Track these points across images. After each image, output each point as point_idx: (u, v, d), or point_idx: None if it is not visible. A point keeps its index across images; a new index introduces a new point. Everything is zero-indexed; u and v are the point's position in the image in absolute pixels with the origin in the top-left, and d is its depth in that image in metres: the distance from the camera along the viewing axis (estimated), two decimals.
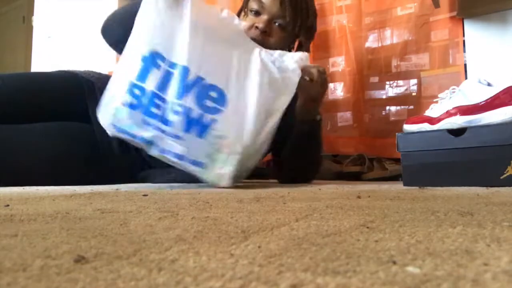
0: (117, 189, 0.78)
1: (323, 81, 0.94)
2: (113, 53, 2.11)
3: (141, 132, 0.77)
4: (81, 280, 0.17)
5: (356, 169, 1.48)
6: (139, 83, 0.77)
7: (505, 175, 0.78)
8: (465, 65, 1.42)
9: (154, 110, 0.76)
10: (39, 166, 0.94)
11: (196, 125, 0.76)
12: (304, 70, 0.89)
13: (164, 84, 0.77)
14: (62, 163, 0.97)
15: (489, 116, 0.81)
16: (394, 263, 0.19)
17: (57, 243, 0.24)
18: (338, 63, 1.68)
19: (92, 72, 1.15)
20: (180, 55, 0.79)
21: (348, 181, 1.38)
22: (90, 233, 0.28)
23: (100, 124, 1.05)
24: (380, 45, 1.60)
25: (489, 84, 0.86)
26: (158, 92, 0.77)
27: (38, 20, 2.52)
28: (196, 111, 0.76)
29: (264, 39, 1.02)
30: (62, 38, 2.34)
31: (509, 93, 0.80)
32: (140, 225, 0.31)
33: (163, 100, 0.77)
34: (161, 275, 0.18)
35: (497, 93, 0.81)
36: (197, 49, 0.80)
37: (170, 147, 0.77)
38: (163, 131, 0.76)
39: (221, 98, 0.79)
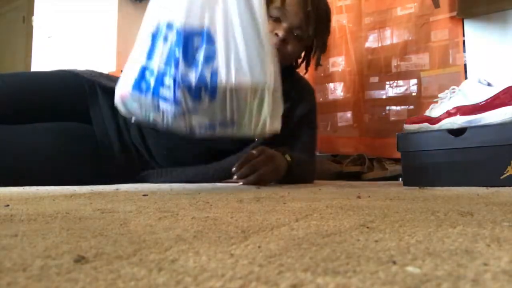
0: (117, 189, 0.78)
1: (262, 161, 0.91)
2: (113, 53, 2.12)
3: (157, 117, 0.68)
4: (81, 280, 0.17)
5: (356, 169, 1.48)
6: (148, 65, 0.68)
7: (505, 175, 0.78)
8: (465, 65, 1.42)
9: (163, 91, 0.65)
10: (39, 166, 0.94)
11: (201, 87, 0.65)
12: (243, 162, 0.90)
13: (169, 57, 0.67)
14: (62, 163, 0.97)
15: (489, 116, 0.81)
16: (394, 263, 0.19)
17: (57, 243, 0.24)
18: (338, 63, 1.68)
19: (93, 71, 1.15)
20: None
21: (348, 181, 1.38)
22: (90, 233, 0.28)
23: (100, 124, 1.05)
24: (380, 45, 1.60)
25: (489, 84, 0.86)
26: (165, 67, 0.66)
27: (38, 20, 2.52)
28: (192, 74, 0.64)
29: (282, 47, 1.02)
30: (62, 38, 2.34)
31: (509, 93, 0.80)
32: (140, 225, 0.31)
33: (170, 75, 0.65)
34: (161, 275, 0.18)
35: (497, 93, 0.81)
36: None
37: (196, 123, 0.68)
38: (179, 112, 0.66)
39: (208, 38, 0.67)
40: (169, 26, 0.68)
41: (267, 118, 0.69)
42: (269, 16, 1.02)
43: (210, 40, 0.67)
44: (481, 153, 0.80)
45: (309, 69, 1.69)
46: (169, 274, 0.18)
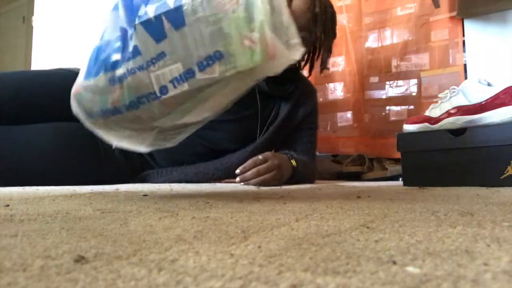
0: (117, 189, 0.78)
1: (268, 168, 0.91)
2: None
3: (115, 95, 0.51)
4: (81, 280, 0.17)
5: (356, 169, 1.48)
6: (101, 43, 0.55)
7: (505, 175, 0.78)
8: (465, 65, 1.42)
9: (115, 56, 0.52)
10: (39, 166, 0.94)
11: (162, 16, 0.48)
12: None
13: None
14: (62, 163, 0.97)
15: (489, 116, 0.81)
16: (394, 263, 0.19)
17: (57, 243, 0.24)
18: (338, 63, 1.68)
19: None
20: None
21: (348, 181, 1.38)
22: (90, 233, 0.28)
23: None
24: (380, 45, 1.60)
25: (489, 84, 0.86)
26: (121, 30, 0.52)
27: (38, 20, 2.52)
28: (151, 7, 0.49)
29: None
30: (62, 38, 2.34)
31: (509, 93, 0.80)
32: (140, 225, 0.31)
33: (124, 31, 0.51)
34: (161, 275, 0.18)
35: (497, 93, 0.81)
36: None
37: (167, 76, 0.49)
38: (140, 68, 0.50)
39: None
40: None
41: (265, 27, 0.46)
42: None
43: None
44: (481, 153, 0.80)
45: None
46: (169, 274, 0.18)
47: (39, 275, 0.17)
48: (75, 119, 1.03)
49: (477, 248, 0.23)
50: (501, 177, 0.78)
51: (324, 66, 1.12)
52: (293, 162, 0.99)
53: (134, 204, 0.48)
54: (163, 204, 0.47)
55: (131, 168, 1.07)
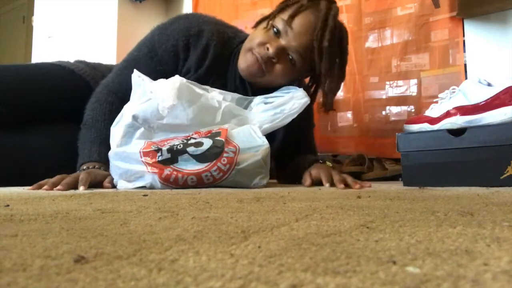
0: (117, 189, 0.78)
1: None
2: (113, 53, 2.11)
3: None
4: (81, 280, 0.17)
5: (356, 169, 1.48)
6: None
7: (505, 175, 0.78)
8: (465, 65, 1.42)
9: None
10: (39, 167, 0.94)
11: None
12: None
13: None
14: (62, 164, 0.97)
15: (489, 116, 0.81)
16: (394, 263, 0.19)
17: (57, 243, 0.24)
18: None
19: (87, 68, 1.14)
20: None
21: None
22: (90, 233, 0.28)
23: None
24: (380, 45, 1.60)
25: (489, 84, 0.86)
26: None
27: (38, 20, 2.52)
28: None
29: (268, 64, 0.89)
30: (62, 38, 2.34)
31: (509, 93, 0.80)
32: (140, 225, 0.31)
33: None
34: (161, 275, 0.18)
35: (497, 93, 0.81)
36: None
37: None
38: None
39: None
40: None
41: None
42: (273, 26, 0.90)
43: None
44: (481, 153, 0.80)
45: None
46: (169, 274, 0.18)
47: (39, 275, 0.17)
48: (75, 119, 1.04)
49: (477, 248, 0.23)
50: (501, 177, 0.78)
51: (327, 105, 0.98)
52: (328, 163, 1.00)
53: (134, 204, 0.48)
54: (163, 204, 0.47)
55: None
